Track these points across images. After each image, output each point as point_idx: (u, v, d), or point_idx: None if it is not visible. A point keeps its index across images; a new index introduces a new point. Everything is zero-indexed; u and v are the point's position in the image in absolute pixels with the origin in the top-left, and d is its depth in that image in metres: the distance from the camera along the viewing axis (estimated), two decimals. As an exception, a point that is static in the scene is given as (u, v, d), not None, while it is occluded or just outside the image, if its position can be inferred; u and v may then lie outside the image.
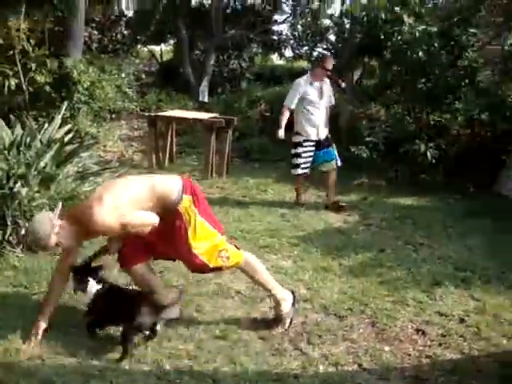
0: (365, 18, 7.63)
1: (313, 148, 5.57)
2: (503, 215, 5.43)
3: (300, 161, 5.59)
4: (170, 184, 2.83)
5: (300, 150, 5.57)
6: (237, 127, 7.54)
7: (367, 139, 6.46)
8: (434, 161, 6.36)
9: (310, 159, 5.59)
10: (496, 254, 4.44)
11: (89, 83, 7.50)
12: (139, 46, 13.82)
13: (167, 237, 2.85)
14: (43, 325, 2.81)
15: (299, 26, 9.25)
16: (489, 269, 4.09)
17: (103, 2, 10.18)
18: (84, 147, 4.74)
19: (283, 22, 13.25)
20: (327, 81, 5.71)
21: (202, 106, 10.30)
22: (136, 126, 9.53)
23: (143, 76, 12.27)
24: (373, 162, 5.79)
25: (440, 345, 2.96)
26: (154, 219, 2.73)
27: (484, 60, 7.11)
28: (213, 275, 3.70)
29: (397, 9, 7.21)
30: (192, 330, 3.00)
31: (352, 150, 6.32)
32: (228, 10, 13.49)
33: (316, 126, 5.57)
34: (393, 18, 7.09)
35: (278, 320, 3.05)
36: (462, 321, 3.23)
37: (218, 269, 2.99)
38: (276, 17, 13.71)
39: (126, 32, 12.10)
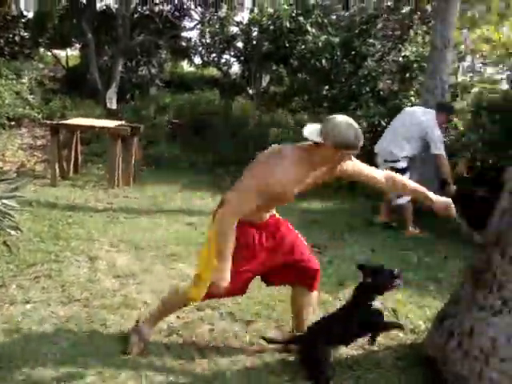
0: (271, 27, 7.78)
1: None
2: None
3: None
4: None
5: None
6: (145, 134, 7.41)
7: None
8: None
9: None
10: (396, 252, 4.71)
11: (-19, 88, 7.05)
12: (42, 50, 13.21)
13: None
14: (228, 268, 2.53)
15: (207, 33, 9.26)
16: (390, 267, 4.30)
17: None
18: (-24, 157, 4.43)
19: (192, 28, 13.23)
20: None
21: (110, 113, 10.02)
22: (38, 134, 9.07)
23: (47, 82, 11.74)
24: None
25: (343, 343, 3.07)
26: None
27: (382, 70, 7.53)
28: (117, 286, 3.62)
29: (301, 19, 7.46)
30: (96, 346, 2.88)
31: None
32: (136, 15, 13.24)
33: None
34: (297, 28, 7.31)
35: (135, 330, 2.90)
36: (363, 318, 3.37)
37: None
38: (185, 23, 13.70)
39: (25, 34, 11.46)
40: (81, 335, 2.98)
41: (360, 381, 2.70)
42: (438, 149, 5.17)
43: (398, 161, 5.28)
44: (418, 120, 5.29)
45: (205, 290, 2.63)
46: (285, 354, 2.90)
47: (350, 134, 2.33)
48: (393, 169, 5.23)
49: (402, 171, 5.23)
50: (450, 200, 2.68)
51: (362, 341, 3.06)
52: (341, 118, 2.39)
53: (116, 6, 12.55)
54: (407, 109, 5.71)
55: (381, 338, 3.11)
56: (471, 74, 8.21)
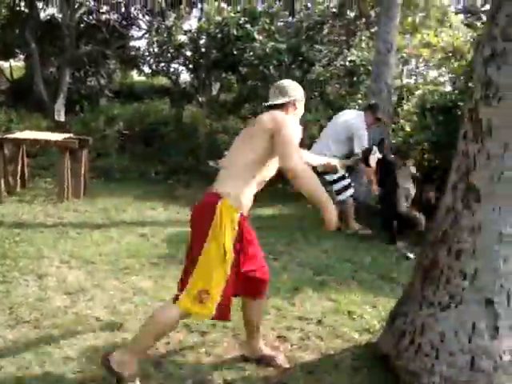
0: (219, 35, 7.79)
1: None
2: (356, 219, 5.84)
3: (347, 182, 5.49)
4: None
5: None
6: (94, 146, 7.27)
7: (225, 153, 6.57)
8: None
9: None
10: (349, 253, 4.79)
11: None
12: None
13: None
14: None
15: (155, 42, 9.20)
16: (343, 270, 4.39)
17: None
18: None
19: (140, 37, 13.13)
20: None
21: (58, 126, 9.79)
22: (-18, 149, 8.75)
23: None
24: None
25: (300, 348, 3.08)
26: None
27: (330, 74, 7.66)
28: (68, 304, 3.52)
29: (248, 26, 7.50)
30: (47, 368, 2.78)
31: (210, 164, 6.41)
32: (82, 25, 13.03)
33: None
34: (244, 35, 7.35)
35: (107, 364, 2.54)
36: (319, 322, 3.40)
37: None
38: (132, 32, 13.59)
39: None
40: (30, 358, 2.86)
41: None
42: (361, 149, 5.32)
43: None
44: (347, 123, 5.47)
45: (214, 307, 2.44)
46: (242, 363, 2.89)
47: (299, 86, 2.75)
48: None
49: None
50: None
51: (320, 345, 3.10)
52: (285, 80, 2.80)
53: (61, 15, 12.30)
54: (341, 112, 5.85)
55: (338, 341, 3.16)
56: (415, 77, 8.49)
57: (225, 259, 2.41)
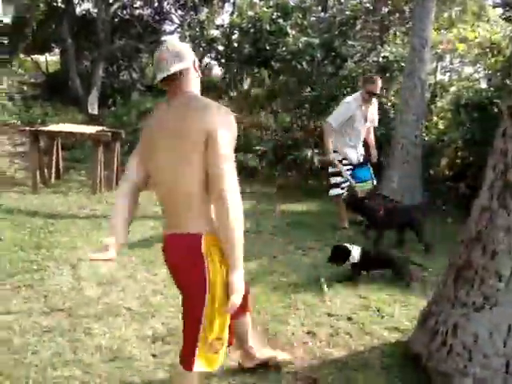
0: (251, 30, 7.78)
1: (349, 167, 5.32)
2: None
3: (338, 179, 5.34)
4: None
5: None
6: (126, 140, 7.37)
7: (256, 148, 6.58)
8: (320, 166, 6.64)
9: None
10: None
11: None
12: (22, 56, 13.09)
13: None
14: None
15: (188, 37, 9.26)
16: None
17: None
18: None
19: (172, 32, 13.24)
20: (374, 101, 5.43)
21: (91, 119, 9.97)
22: (19, 141, 8.98)
23: (25, 88, 11.63)
24: (265, 170, 5.91)
25: (329, 344, 3.07)
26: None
27: (363, 70, 7.57)
28: (101, 294, 3.59)
29: (280, 21, 7.47)
30: (80, 355, 2.85)
31: (240, 158, 6.42)
32: (116, 20, 13.21)
33: (354, 147, 5.38)
34: (277, 30, 7.32)
35: None
36: (349, 319, 3.38)
37: None
38: (165, 27, 13.72)
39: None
40: (63, 345, 2.95)
41: (350, 382, 2.70)
42: (330, 118, 5.17)
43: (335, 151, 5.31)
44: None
45: (224, 350, 2.14)
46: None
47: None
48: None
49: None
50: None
51: (350, 341, 3.08)
52: (171, 40, 2.29)
53: (96, 10, 12.49)
54: None
55: (367, 338, 3.14)
56: (449, 74, 8.33)
57: (222, 306, 2.02)
